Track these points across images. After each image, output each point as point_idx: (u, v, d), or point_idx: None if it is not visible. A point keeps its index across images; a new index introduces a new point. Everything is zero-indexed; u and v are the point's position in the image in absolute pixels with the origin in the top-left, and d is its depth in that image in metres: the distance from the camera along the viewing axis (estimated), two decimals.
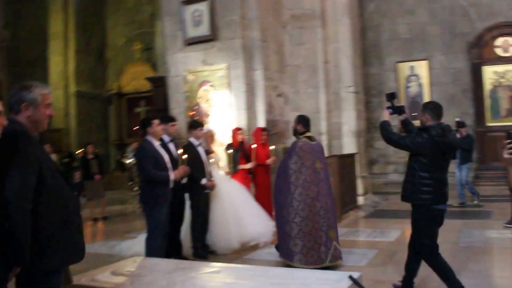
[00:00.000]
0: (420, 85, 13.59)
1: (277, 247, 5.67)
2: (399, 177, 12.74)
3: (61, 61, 17.59)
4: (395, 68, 13.80)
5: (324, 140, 9.74)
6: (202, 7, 9.17)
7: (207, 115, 9.20)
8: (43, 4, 18.16)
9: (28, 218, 2.39)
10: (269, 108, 9.22)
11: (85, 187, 9.89)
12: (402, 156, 12.67)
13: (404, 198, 4.32)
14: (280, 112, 9.66)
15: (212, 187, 6.30)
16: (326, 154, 9.51)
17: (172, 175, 5.30)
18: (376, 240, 6.78)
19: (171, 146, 5.90)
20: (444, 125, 4.13)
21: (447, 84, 13.40)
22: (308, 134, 5.60)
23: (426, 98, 13.34)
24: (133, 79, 16.59)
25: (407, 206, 9.14)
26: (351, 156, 9.40)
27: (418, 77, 13.63)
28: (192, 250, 6.23)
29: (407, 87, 13.71)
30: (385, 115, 4.48)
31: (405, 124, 4.55)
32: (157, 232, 5.22)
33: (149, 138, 5.37)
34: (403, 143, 4.21)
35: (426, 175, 4.06)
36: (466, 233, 6.99)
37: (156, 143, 5.39)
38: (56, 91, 17.53)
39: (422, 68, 13.56)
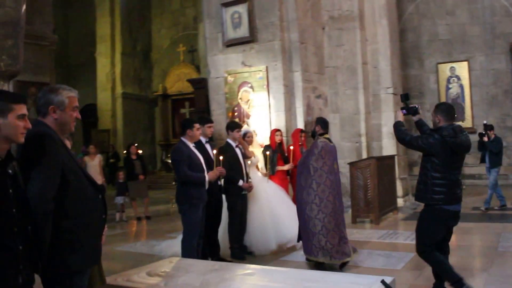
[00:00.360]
0: (460, 86, 13.11)
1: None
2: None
3: (108, 63, 17.86)
4: (435, 70, 13.37)
5: (363, 142, 9.53)
6: (241, 9, 9.14)
7: (248, 116, 9.15)
8: (92, 8, 18.53)
9: (49, 219, 2.37)
10: (308, 109, 9.07)
11: (128, 187, 9.92)
12: None
13: (417, 197, 4.31)
14: (319, 114, 9.48)
15: (249, 188, 6.20)
16: (365, 155, 9.36)
17: (207, 176, 5.24)
18: (414, 243, 6.43)
19: (208, 147, 5.84)
20: (456, 126, 4.07)
21: (488, 85, 12.89)
22: (326, 135, 5.67)
23: (467, 100, 12.92)
24: (178, 80, 16.68)
25: None
26: (390, 157, 9.13)
27: (459, 78, 13.14)
28: (230, 251, 6.15)
29: (448, 88, 13.25)
30: (399, 116, 4.50)
31: (419, 125, 4.46)
32: (192, 233, 5.17)
33: (185, 139, 5.32)
34: (415, 143, 4.18)
35: (438, 175, 4.03)
36: (506, 237, 6.67)
37: (192, 145, 5.34)
38: (103, 92, 17.86)
39: (462, 69, 13.07)
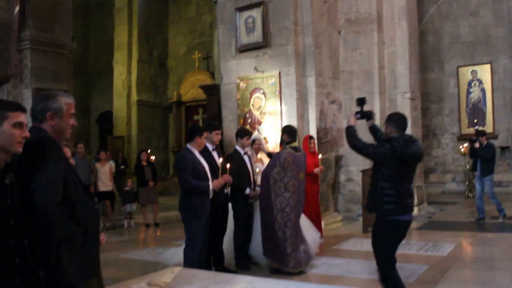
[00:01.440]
0: (482, 91, 12.69)
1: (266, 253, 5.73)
2: (457, 186, 11.97)
3: (124, 71, 18.01)
4: (456, 73, 12.99)
5: None
6: (255, 13, 9.03)
7: (259, 123, 9.01)
8: (111, 17, 18.78)
9: (59, 222, 2.30)
10: (321, 115, 8.88)
11: (139, 193, 9.90)
12: (461, 164, 11.93)
13: (368, 208, 4.33)
14: (333, 120, 9.28)
15: (256, 197, 6.03)
16: None
17: (211, 185, 5.08)
18: (427, 255, 6.24)
19: (215, 154, 5.68)
20: (407, 137, 4.05)
21: None
22: (293, 144, 5.75)
23: (489, 104, 12.50)
24: (192, 87, 16.66)
25: (464, 218, 8.49)
26: None
27: (481, 82, 12.72)
28: (234, 260, 6.00)
29: (469, 92, 12.85)
30: (352, 120, 4.44)
31: (373, 130, 4.46)
32: (195, 243, 5.02)
33: (191, 146, 5.18)
34: (366, 151, 4.19)
35: (388, 186, 4.00)
36: None
37: (197, 152, 5.20)
38: (119, 100, 18.01)
39: (484, 72, 12.65)
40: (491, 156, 8.45)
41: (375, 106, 9.28)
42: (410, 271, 5.40)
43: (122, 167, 13.59)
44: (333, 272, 5.56)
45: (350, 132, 4.31)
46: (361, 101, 4.53)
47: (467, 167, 12.06)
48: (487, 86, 12.60)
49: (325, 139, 8.92)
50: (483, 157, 8.42)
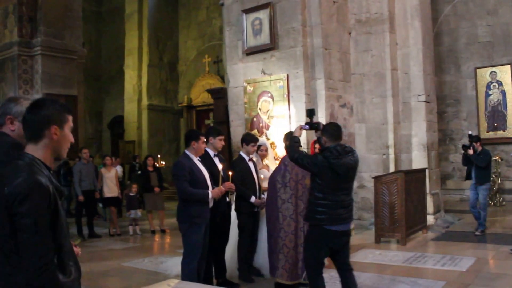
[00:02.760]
0: (502, 93, 12.16)
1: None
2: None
3: (135, 75, 17.97)
4: (473, 75, 12.47)
5: (391, 154, 8.86)
6: (262, 15, 8.79)
7: (267, 127, 8.72)
8: (122, 23, 18.81)
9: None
10: (331, 119, 8.52)
11: (144, 199, 9.73)
12: None
13: (304, 217, 4.40)
14: (344, 124, 8.90)
15: (261, 205, 5.70)
16: (393, 168, 8.70)
17: (211, 194, 4.77)
18: (444, 269, 5.78)
19: (216, 160, 5.36)
20: (341, 147, 4.07)
21: None
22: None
23: (510, 107, 11.95)
24: (203, 91, 16.51)
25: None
26: (421, 171, 8.38)
27: (500, 83, 12.19)
28: (238, 272, 5.67)
29: (487, 95, 12.32)
30: (297, 131, 4.45)
31: (319, 142, 4.39)
32: (193, 254, 4.74)
33: (189, 152, 4.89)
34: (301, 162, 4.20)
35: (321, 196, 4.05)
36: None
37: (195, 158, 4.90)
38: (130, 104, 17.97)
39: (504, 73, 12.07)
40: (487, 164, 7.87)
41: (388, 109, 8.92)
42: (425, 287, 5.01)
43: (139, 172, 13.32)
44: None
45: (292, 143, 4.35)
46: (310, 112, 4.62)
47: None
48: (508, 88, 12.00)
49: None
50: (478, 164, 7.82)
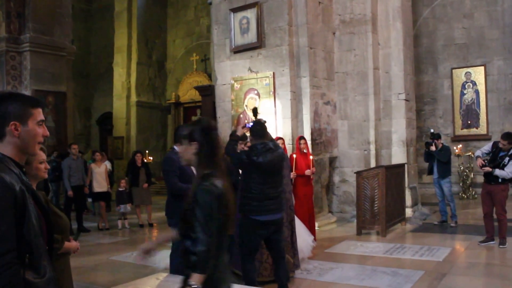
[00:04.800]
0: (476, 92, 12.29)
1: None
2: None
3: (124, 73, 17.72)
4: (450, 75, 12.59)
5: (372, 150, 8.88)
6: (250, 14, 8.70)
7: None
8: (111, 20, 18.50)
9: None
10: (316, 116, 8.50)
11: (132, 194, 9.59)
12: (455, 165, 11.53)
13: (238, 209, 4.45)
14: (327, 121, 8.90)
15: None
16: (374, 164, 8.72)
17: None
18: (423, 259, 5.82)
19: None
20: (262, 146, 4.22)
21: (506, 90, 12.04)
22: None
23: (482, 106, 12.12)
24: (190, 89, 16.41)
25: (459, 220, 7.98)
26: (400, 166, 8.42)
27: (474, 83, 12.32)
28: None
29: (463, 94, 12.45)
30: (239, 130, 4.64)
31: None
32: None
33: (178, 148, 4.80)
34: (233, 159, 4.41)
35: (249, 189, 4.25)
36: None
37: None
38: (119, 101, 17.76)
39: (478, 74, 12.24)
40: (448, 159, 8.16)
41: (369, 107, 8.93)
42: (405, 277, 5.01)
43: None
44: (325, 278, 5.16)
45: (231, 141, 4.53)
46: (254, 111, 4.84)
47: (461, 168, 11.70)
48: (481, 88, 12.19)
49: (319, 140, 8.55)
50: (440, 159, 8.08)
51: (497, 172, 6.12)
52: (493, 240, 6.43)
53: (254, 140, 4.31)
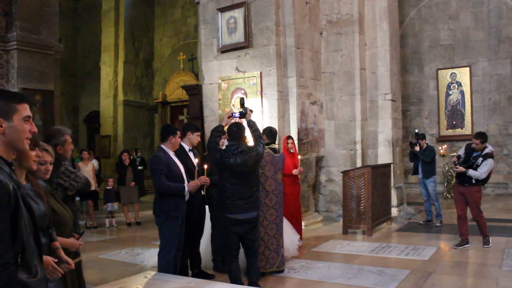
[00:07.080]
0: (461, 93, 12.42)
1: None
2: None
3: (111, 72, 17.61)
4: (435, 76, 12.70)
5: (358, 149, 8.92)
6: (237, 14, 8.66)
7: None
8: (99, 19, 18.38)
9: None
10: (302, 116, 8.51)
11: (120, 192, 9.57)
12: (440, 165, 11.63)
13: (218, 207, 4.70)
14: (314, 120, 8.91)
15: None
16: (360, 163, 8.75)
17: (187, 187, 4.67)
18: (408, 258, 5.86)
19: (191, 155, 5.25)
20: (232, 148, 4.37)
21: (490, 91, 12.19)
22: (272, 146, 5.70)
23: (467, 106, 12.26)
24: (177, 88, 16.34)
25: (444, 220, 8.02)
26: (386, 166, 8.46)
27: (460, 84, 12.45)
28: (212, 264, 5.60)
29: (448, 94, 12.57)
30: (224, 120, 4.80)
31: (249, 125, 4.73)
32: (169, 247, 4.64)
33: (165, 147, 4.77)
34: (211, 157, 4.56)
35: (223, 188, 4.43)
36: (511, 254, 5.94)
37: (171, 153, 4.79)
38: (106, 100, 17.65)
39: (463, 75, 12.38)
40: (432, 158, 8.23)
41: (356, 107, 8.97)
42: (391, 276, 5.03)
43: (141, 167, 12.84)
44: (311, 277, 5.16)
45: (213, 132, 4.63)
46: (241, 101, 4.92)
47: (446, 168, 11.80)
48: (466, 88, 12.32)
49: (306, 140, 8.56)
50: (424, 159, 8.17)
51: (471, 172, 6.05)
52: (468, 243, 6.40)
53: (229, 141, 4.46)
